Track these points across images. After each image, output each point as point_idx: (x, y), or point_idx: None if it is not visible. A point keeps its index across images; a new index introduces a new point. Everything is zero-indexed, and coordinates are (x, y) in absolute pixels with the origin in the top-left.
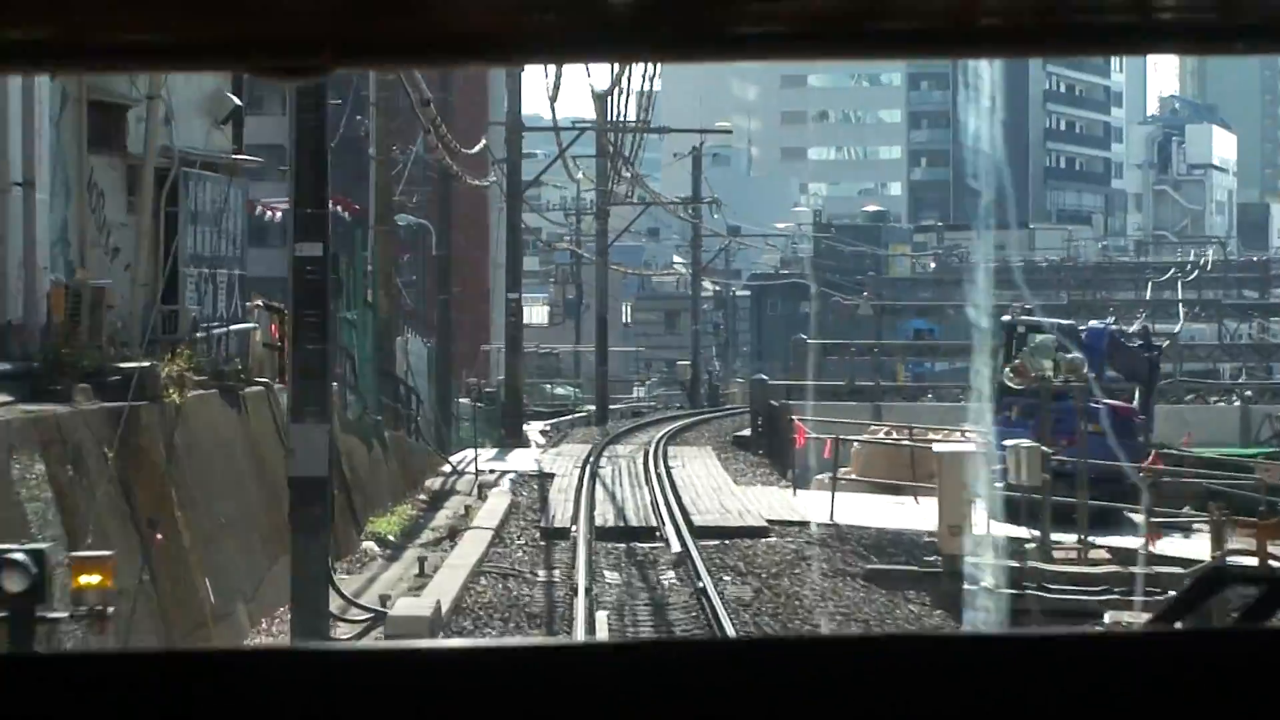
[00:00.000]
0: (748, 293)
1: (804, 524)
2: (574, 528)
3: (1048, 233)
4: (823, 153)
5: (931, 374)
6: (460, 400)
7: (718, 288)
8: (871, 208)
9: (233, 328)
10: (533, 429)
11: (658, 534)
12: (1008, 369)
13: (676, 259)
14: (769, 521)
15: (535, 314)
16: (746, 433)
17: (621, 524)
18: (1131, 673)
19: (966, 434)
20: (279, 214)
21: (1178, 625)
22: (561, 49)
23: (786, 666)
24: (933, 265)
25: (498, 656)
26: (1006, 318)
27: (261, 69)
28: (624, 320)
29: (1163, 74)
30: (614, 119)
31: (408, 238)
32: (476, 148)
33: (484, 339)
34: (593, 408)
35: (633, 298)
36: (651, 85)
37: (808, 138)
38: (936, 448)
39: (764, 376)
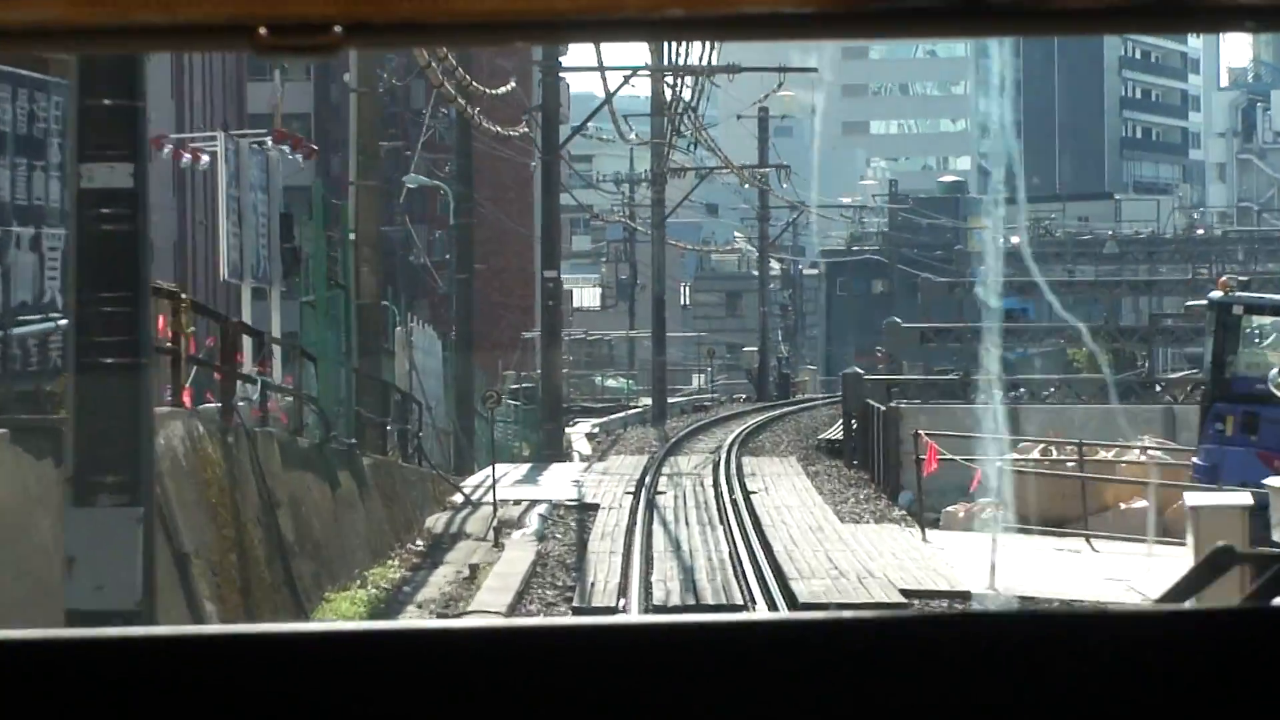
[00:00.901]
0: (816, 271)
1: (959, 596)
2: (621, 603)
3: (1132, 204)
4: (884, 126)
5: (1022, 360)
6: (489, 398)
7: (785, 266)
8: (947, 178)
9: (34, 328)
10: (578, 432)
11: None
12: (1276, 371)
13: (737, 234)
14: (905, 593)
15: (586, 297)
16: (834, 434)
17: (690, 599)
18: (1141, 650)
19: (1150, 451)
20: (204, 159)
21: (1187, 604)
22: (570, 30)
23: (805, 646)
24: (1015, 240)
25: (506, 636)
26: (1216, 294)
27: (271, 48)
28: (682, 302)
29: (1233, 43)
30: (673, 61)
31: (417, 203)
32: (504, 88)
33: (530, 326)
34: (649, 402)
35: (691, 278)
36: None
37: (870, 110)
38: (1190, 499)
39: (859, 370)
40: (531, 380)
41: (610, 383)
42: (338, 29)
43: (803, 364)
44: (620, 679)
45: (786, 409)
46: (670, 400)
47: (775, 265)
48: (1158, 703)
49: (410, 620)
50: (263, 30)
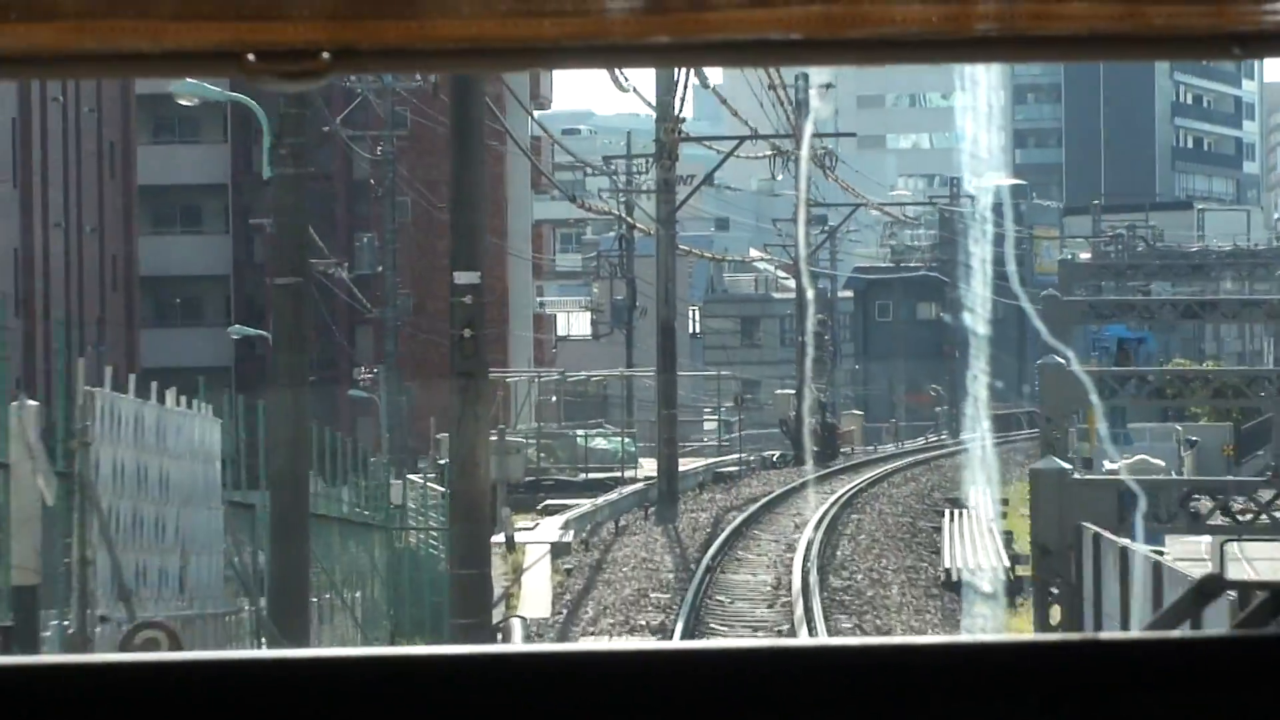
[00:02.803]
0: (849, 293)
1: None
2: None
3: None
4: (901, 140)
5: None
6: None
7: (818, 286)
8: (1007, 180)
9: None
10: (540, 537)
11: None
12: None
13: (755, 252)
14: None
15: (573, 324)
16: (1014, 566)
17: None
18: (1129, 678)
19: None
20: None
21: (1175, 632)
22: (557, 56)
23: (805, 674)
24: (1085, 256)
25: (509, 662)
26: None
27: (259, 74)
28: (691, 329)
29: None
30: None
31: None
32: None
33: (501, 360)
34: (651, 471)
35: (700, 300)
36: None
37: (887, 123)
38: None
39: (1114, 465)
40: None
41: (599, 442)
42: (325, 55)
43: (842, 406)
44: (635, 708)
45: (854, 479)
46: (680, 460)
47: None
48: None
49: (415, 648)
50: (250, 56)
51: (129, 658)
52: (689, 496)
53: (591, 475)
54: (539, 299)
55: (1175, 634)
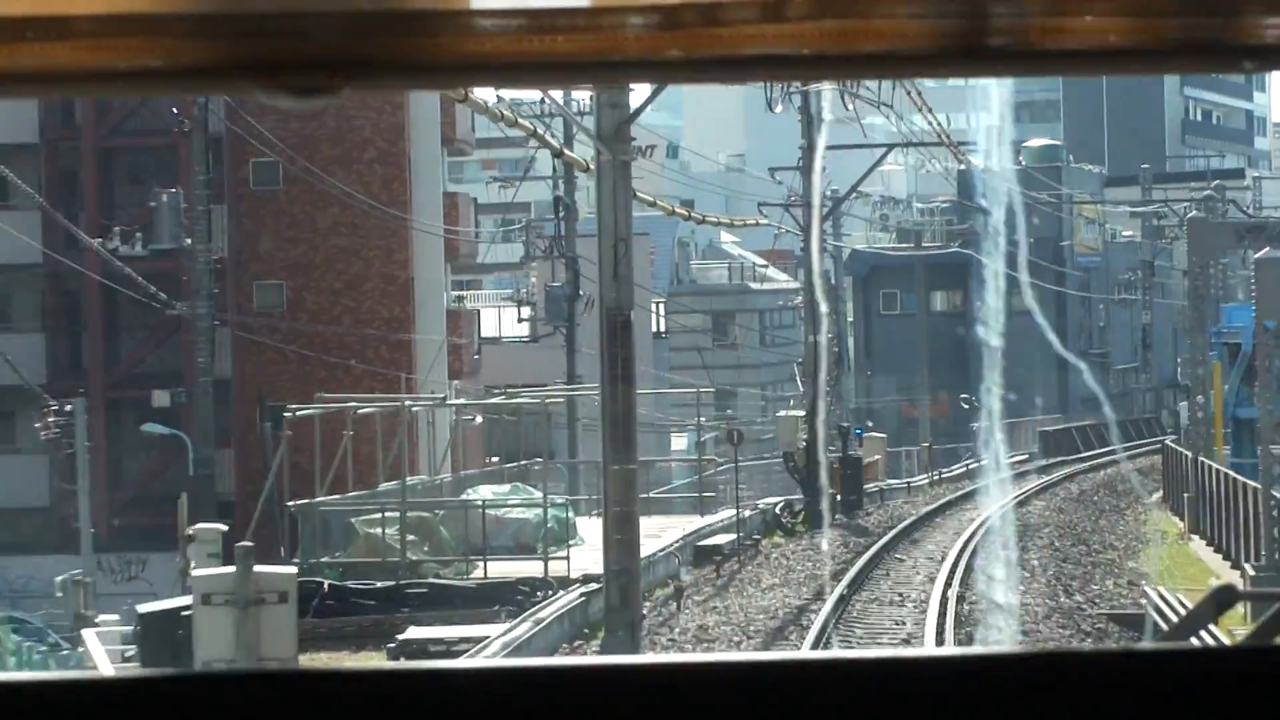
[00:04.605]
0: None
1: None
2: None
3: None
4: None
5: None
6: None
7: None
8: (1038, 142)
9: None
10: None
11: None
12: None
13: (728, 238)
14: None
15: (505, 324)
16: None
17: None
18: (1145, 689)
19: None
20: None
21: (1191, 641)
22: (570, 72)
23: (814, 687)
24: (1127, 234)
25: (524, 677)
26: None
27: (273, 90)
28: (655, 328)
29: None
30: None
31: None
32: None
33: (405, 370)
34: (597, 562)
35: (663, 293)
36: None
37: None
38: None
39: None
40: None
41: (520, 514)
42: (339, 71)
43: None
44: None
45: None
46: (644, 520)
47: (784, 275)
48: None
49: (427, 662)
50: (264, 73)
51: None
52: (657, 605)
53: (492, 577)
54: (457, 293)
55: (1190, 645)
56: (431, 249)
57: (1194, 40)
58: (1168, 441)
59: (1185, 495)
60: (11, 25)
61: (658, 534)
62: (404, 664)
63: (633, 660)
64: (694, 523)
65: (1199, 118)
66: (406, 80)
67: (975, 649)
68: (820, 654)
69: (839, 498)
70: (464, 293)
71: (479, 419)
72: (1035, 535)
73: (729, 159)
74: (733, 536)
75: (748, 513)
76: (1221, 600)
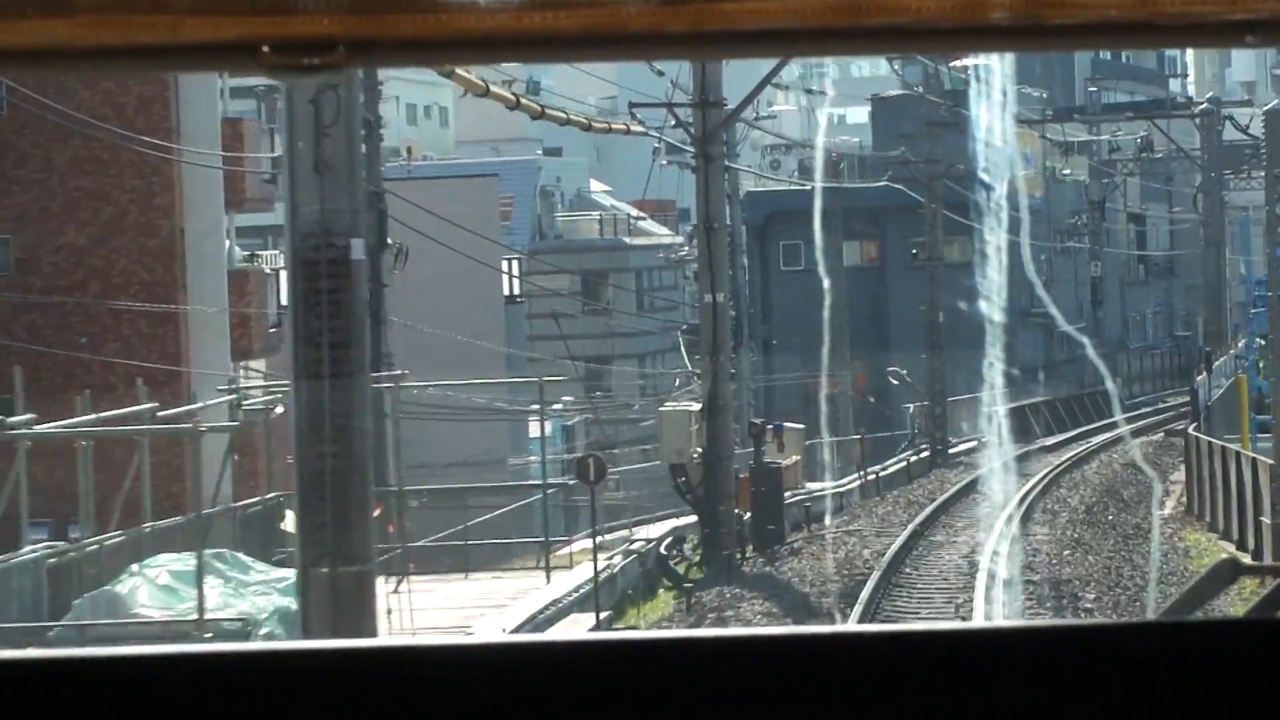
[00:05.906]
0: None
1: None
2: None
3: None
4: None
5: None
6: None
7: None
8: (960, 62)
9: None
10: None
11: None
12: None
13: (598, 186)
14: None
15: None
16: None
17: None
18: (1146, 663)
19: None
20: None
21: (1193, 616)
22: (573, 48)
23: (803, 661)
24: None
25: (507, 654)
26: None
27: (275, 67)
28: (507, 290)
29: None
30: None
31: None
32: None
33: (170, 344)
34: None
35: (522, 250)
36: None
37: None
38: None
39: None
40: None
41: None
42: (341, 48)
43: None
44: (648, 698)
45: None
46: (454, 585)
47: (663, 228)
48: (1171, 717)
49: (418, 638)
50: (266, 50)
51: (110, 652)
52: None
53: None
54: (246, 249)
55: (1193, 619)
56: (209, 191)
57: (1196, 15)
58: (1190, 430)
59: (1263, 520)
60: (13, 1)
61: (462, 620)
62: (394, 640)
63: (637, 636)
64: (530, 596)
65: (1108, 56)
66: (408, 56)
67: (976, 624)
68: (825, 629)
69: (750, 525)
70: (256, 249)
71: (280, 409)
72: (1078, 597)
73: (600, 101)
74: (590, 618)
75: (620, 561)
76: (1223, 575)
